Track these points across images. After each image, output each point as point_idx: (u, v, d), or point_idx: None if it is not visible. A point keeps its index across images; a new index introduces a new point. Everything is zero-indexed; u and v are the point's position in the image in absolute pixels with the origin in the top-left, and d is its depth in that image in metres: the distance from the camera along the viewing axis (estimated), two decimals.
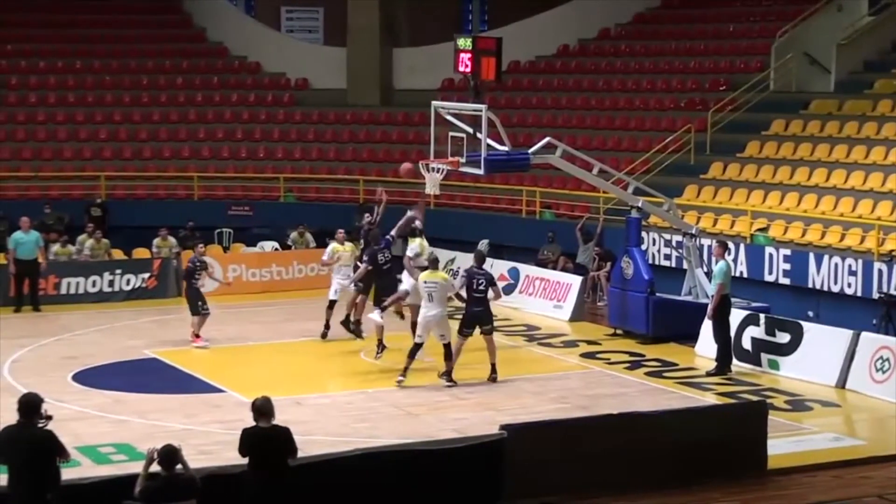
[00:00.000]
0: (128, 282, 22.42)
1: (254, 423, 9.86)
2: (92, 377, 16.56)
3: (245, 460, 9.89)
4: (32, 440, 9.14)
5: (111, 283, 22.32)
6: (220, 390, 15.85)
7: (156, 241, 23.39)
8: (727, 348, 16.98)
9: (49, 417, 9.32)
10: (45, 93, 29.78)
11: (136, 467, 10.56)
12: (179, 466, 9.33)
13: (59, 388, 15.78)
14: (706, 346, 17.95)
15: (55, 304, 21.57)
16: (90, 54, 30.82)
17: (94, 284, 22.19)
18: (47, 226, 23.98)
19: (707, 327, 17.78)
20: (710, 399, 15.64)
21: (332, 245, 19.55)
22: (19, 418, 9.22)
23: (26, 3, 31.91)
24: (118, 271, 22.43)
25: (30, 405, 9.23)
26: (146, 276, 22.55)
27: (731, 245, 20.91)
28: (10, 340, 18.48)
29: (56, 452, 9.21)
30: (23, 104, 29.44)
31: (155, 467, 9.35)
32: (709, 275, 19.22)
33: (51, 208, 24.87)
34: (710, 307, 17.06)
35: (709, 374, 16.82)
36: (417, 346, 16.18)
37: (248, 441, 9.83)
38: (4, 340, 18.45)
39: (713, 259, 17.86)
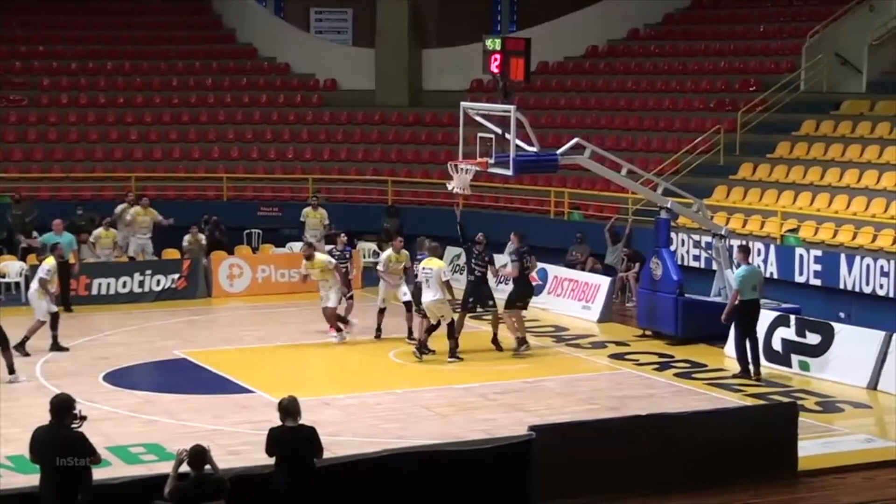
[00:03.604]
0: (158, 282, 22.54)
1: (280, 423, 9.90)
2: (123, 378, 16.66)
3: (272, 460, 9.94)
4: (63, 441, 9.18)
5: (141, 284, 22.44)
6: (249, 391, 15.91)
7: (186, 237, 23.51)
8: (751, 352, 16.59)
9: (83, 418, 9.36)
10: (76, 94, 29.99)
11: (166, 467, 10.62)
12: (208, 467, 9.37)
13: (90, 388, 15.89)
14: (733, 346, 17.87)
15: (86, 304, 21.72)
16: (121, 56, 31.01)
17: (124, 285, 22.33)
18: (79, 227, 24.10)
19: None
20: (739, 400, 15.54)
21: (388, 253, 19.21)
22: (51, 419, 9.28)
23: (57, 4, 32.17)
24: (148, 272, 22.55)
25: (61, 406, 9.27)
26: (176, 276, 22.67)
27: (758, 247, 20.86)
28: (43, 341, 18.59)
29: (86, 454, 9.24)
30: (54, 105, 29.65)
31: (184, 468, 9.40)
32: None
33: (83, 209, 25.03)
34: (724, 311, 16.81)
35: (735, 377, 16.69)
36: (433, 327, 17.60)
37: (275, 441, 9.87)
38: (37, 341, 18.58)
39: (736, 264, 17.57)
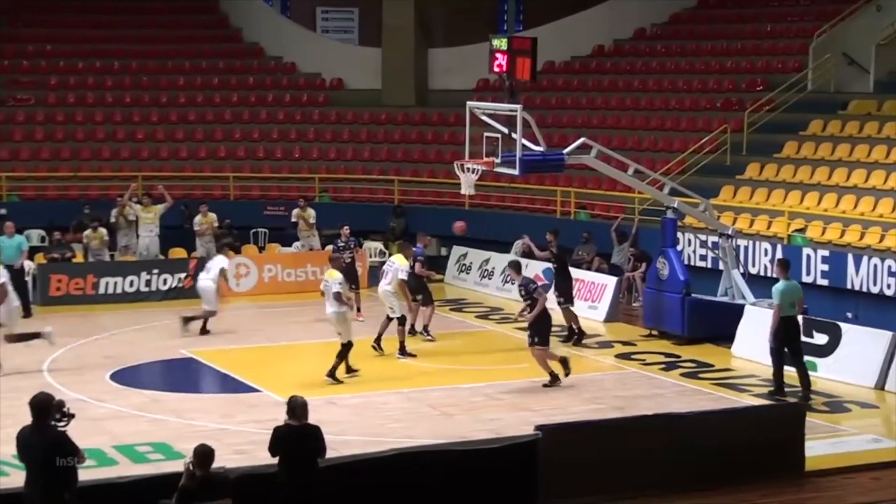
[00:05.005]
0: (164, 281, 22.56)
1: (285, 421, 9.91)
2: (129, 376, 16.67)
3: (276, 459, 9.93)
4: (44, 441, 9.06)
5: (148, 283, 22.47)
6: (255, 390, 15.92)
7: (197, 217, 23.60)
8: (798, 372, 15.59)
9: (71, 416, 9.21)
10: (83, 93, 30.02)
11: (173, 466, 10.66)
12: (214, 465, 9.37)
13: (97, 387, 15.93)
14: (742, 347, 17.84)
15: (93, 303, 21.75)
16: (128, 55, 31.04)
17: (131, 284, 22.36)
18: (86, 226, 24.15)
19: (744, 331, 17.68)
20: (746, 400, 15.52)
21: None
22: (32, 419, 9.15)
23: (65, 4, 32.22)
24: (155, 271, 22.57)
25: (41, 406, 9.14)
26: (182, 275, 22.68)
27: (764, 247, 20.81)
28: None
29: (69, 454, 9.09)
30: (62, 104, 29.68)
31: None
32: (744, 276, 19.14)
33: (90, 208, 25.05)
34: (770, 330, 15.63)
35: (770, 394, 15.74)
36: (388, 319, 17.98)
37: (279, 439, 9.87)
38: (43, 340, 18.61)
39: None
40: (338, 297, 16.31)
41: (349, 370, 16.47)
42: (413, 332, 18.82)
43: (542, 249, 19.77)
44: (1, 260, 20.47)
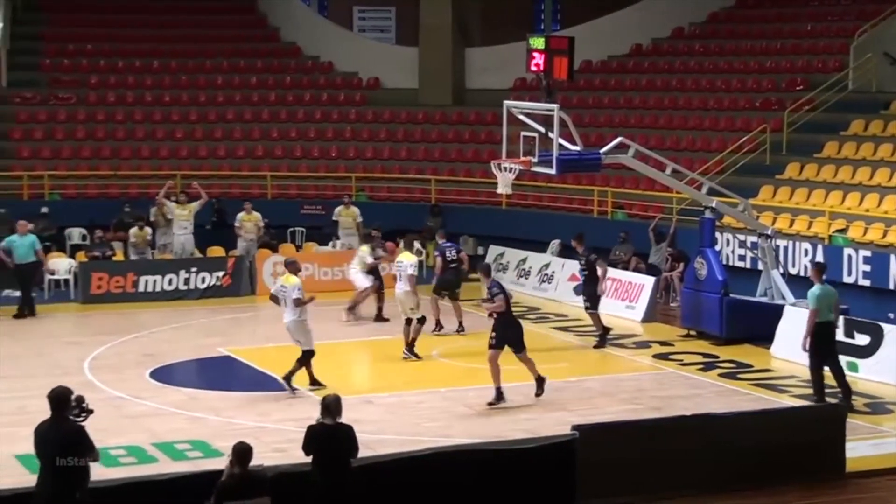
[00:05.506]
0: (203, 280, 22.68)
1: (319, 421, 9.92)
2: (168, 374, 16.79)
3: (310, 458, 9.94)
4: (60, 436, 8.95)
5: (186, 282, 22.60)
6: (292, 388, 15.94)
7: (240, 215, 23.70)
8: (837, 379, 15.23)
9: (90, 411, 9.09)
10: (123, 92, 30.25)
11: (211, 464, 10.72)
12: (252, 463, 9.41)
13: (136, 384, 16.05)
14: (782, 348, 17.70)
15: (133, 301, 21.92)
16: (167, 54, 31.26)
17: (170, 282, 22.50)
18: (126, 224, 24.34)
19: (784, 331, 17.54)
20: (786, 401, 15.41)
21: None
22: (51, 413, 9.04)
23: (106, 4, 32.48)
24: (193, 269, 22.71)
25: (59, 399, 9.02)
26: (220, 274, 22.81)
27: (805, 247, 20.64)
28: (91, 337, 18.86)
29: (85, 450, 8.98)
30: (102, 103, 29.92)
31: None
32: (784, 276, 18.98)
33: (129, 207, 25.25)
34: (803, 338, 15.46)
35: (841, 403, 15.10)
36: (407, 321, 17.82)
37: (312, 437, 9.90)
38: (86, 337, 18.83)
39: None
40: (297, 303, 15.54)
41: (314, 382, 15.62)
42: (440, 328, 19.07)
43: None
44: (14, 258, 20.62)
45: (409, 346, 17.72)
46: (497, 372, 14.98)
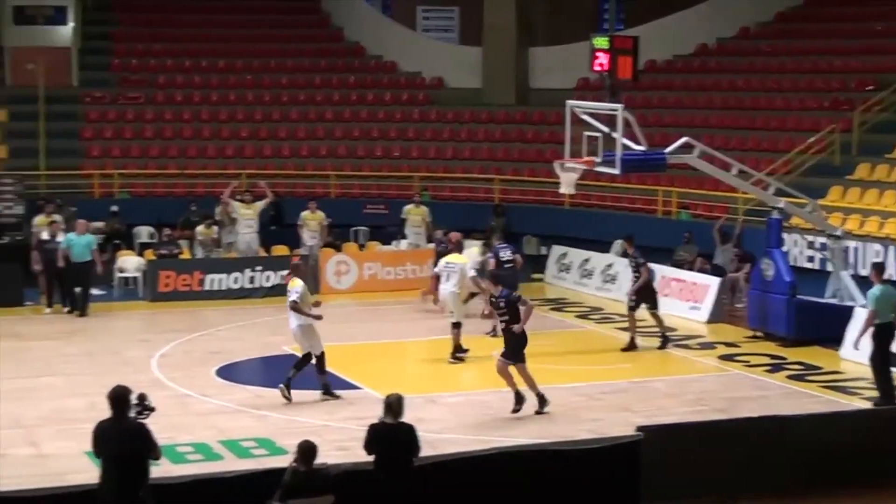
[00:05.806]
0: (268, 278, 22.84)
1: (381, 419, 9.96)
2: (234, 372, 16.95)
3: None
4: (122, 435, 8.97)
5: (252, 280, 22.79)
6: (356, 387, 16.04)
7: (304, 213, 23.82)
8: (886, 381, 15.17)
9: (151, 409, 9.08)
10: (190, 91, 30.61)
11: (276, 462, 10.80)
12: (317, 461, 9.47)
13: (203, 382, 16.23)
14: (852, 350, 17.45)
15: (200, 299, 22.16)
16: (233, 53, 31.57)
17: (235, 281, 22.71)
18: (193, 223, 24.61)
19: (854, 333, 17.29)
20: (856, 403, 15.21)
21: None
22: (112, 413, 9.07)
23: (173, 4, 32.89)
24: (259, 268, 22.89)
25: (119, 398, 9.02)
26: (285, 273, 22.89)
27: (876, 248, 20.33)
28: (159, 335, 19.08)
29: (147, 448, 9.00)
30: (170, 103, 30.30)
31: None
32: (855, 277, 18.72)
33: (196, 206, 25.52)
34: (856, 335, 15.55)
35: (876, 405, 15.20)
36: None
37: (374, 436, 9.94)
38: (154, 335, 19.07)
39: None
40: (292, 306, 14.89)
41: (327, 392, 15.26)
42: (494, 330, 18.76)
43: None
44: (71, 257, 20.78)
45: (453, 350, 17.52)
46: (512, 378, 14.63)
